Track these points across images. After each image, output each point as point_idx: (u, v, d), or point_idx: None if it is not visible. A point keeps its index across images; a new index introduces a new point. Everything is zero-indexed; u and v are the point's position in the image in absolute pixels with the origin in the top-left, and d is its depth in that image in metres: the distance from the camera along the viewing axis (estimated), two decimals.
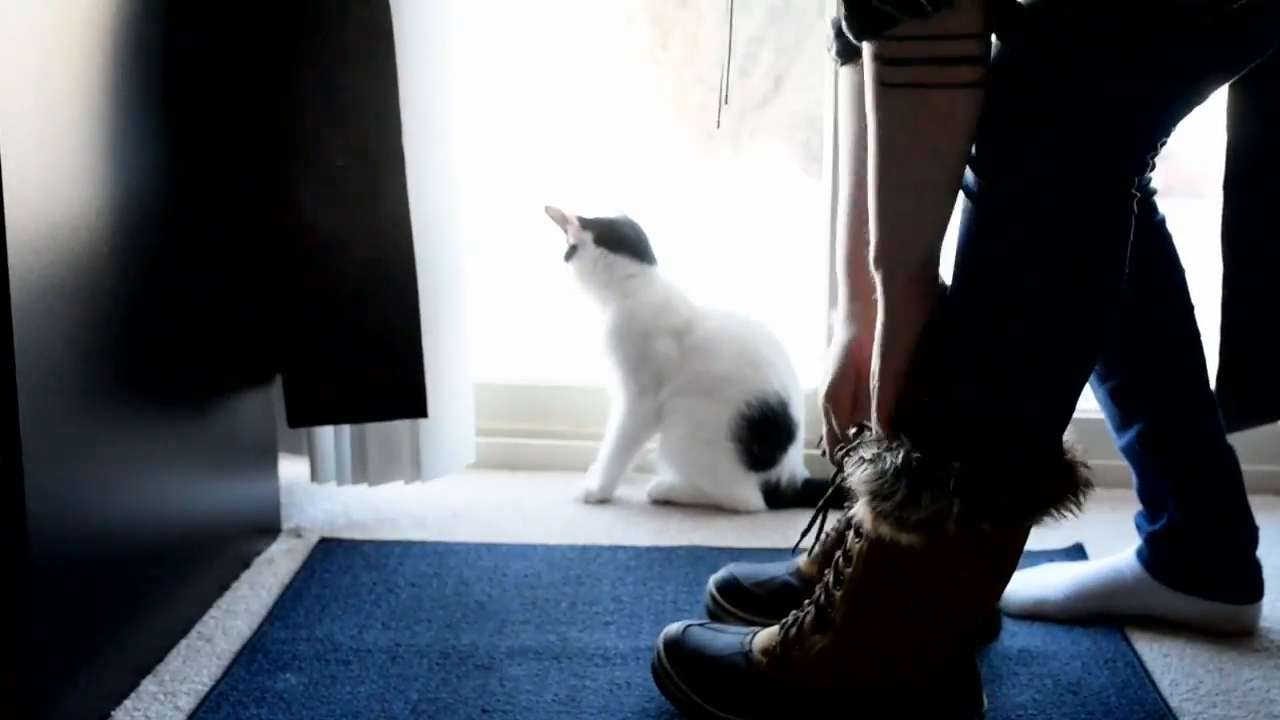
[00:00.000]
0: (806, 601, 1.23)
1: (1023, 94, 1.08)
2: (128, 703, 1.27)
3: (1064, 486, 1.13)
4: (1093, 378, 1.42)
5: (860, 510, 1.15)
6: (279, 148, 1.54)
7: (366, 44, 1.52)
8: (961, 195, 1.12)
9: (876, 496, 1.11)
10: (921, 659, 1.19)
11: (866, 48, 1.07)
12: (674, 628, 1.28)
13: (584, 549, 1.67)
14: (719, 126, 1.40)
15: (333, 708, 1.26)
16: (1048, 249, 1.09)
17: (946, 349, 1.13)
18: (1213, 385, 1.46)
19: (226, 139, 1.50)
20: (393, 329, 1.60)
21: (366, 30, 1.51)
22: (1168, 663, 1.38)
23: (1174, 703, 1.29)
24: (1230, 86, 1.39)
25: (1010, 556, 1.17)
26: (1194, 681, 1.34)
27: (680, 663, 1.24)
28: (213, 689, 1.29)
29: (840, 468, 1.23)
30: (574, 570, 1.60)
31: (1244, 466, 1.86)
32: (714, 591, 1.45)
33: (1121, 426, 1.44)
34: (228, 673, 1.32)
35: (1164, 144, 1.19)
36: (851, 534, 1.18)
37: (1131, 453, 1.45)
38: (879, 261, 1.12)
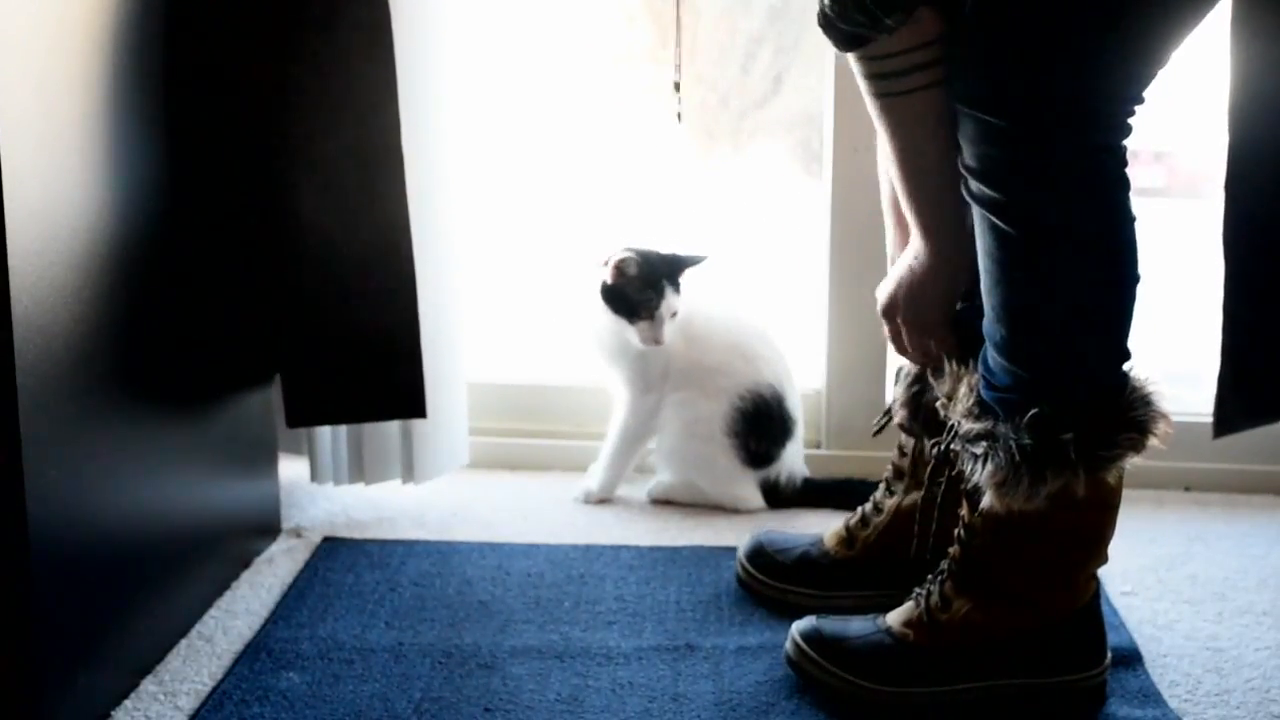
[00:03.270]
0: (933, 575, 1.30)
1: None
2: (128, 703, 1.27)
3: (1152, 413, 1.22)
4: None
5: (988, 499, 1.23)
6: (278, 148, 1.53)
7: (365, 43, 1.51)
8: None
9: (1003, 487, 1.20)
10: (1067, 598, 1.26)
11: (852, 62, 1.21)
12: (802, 624, 1.33)
13: (586, 549, 1.66)
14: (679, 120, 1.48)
15: (336, 707, 1.26)
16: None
17: (1011, 323, 1.21)
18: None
19: (225, 139, 1.50)
20: (392, 329, 1.60)
21: (365, 30, 1.51)
22: (1167, 663, 1.38)
23: (1174, 703, 1.29)
24: (1231, 79, 1.39)
25: (1120, 485, 1.24)
26: (1194, 681, 1.34)
27: (827, 652, 1.29)
28: (215, 688, 1.29)
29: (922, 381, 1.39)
30: (576, 570, 1.60)
31: (1244, 466, 1.88)
32: (743, 560, 1.53)
33: None
34: (230, 671, 1.32)
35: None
36: (967, 509, 1.26)
37: None
38: (928, 234, 1.26)
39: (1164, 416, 1.22)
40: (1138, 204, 1.20)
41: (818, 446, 1.97)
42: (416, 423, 1.76)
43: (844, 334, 1.92)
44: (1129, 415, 1.20)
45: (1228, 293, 1.49)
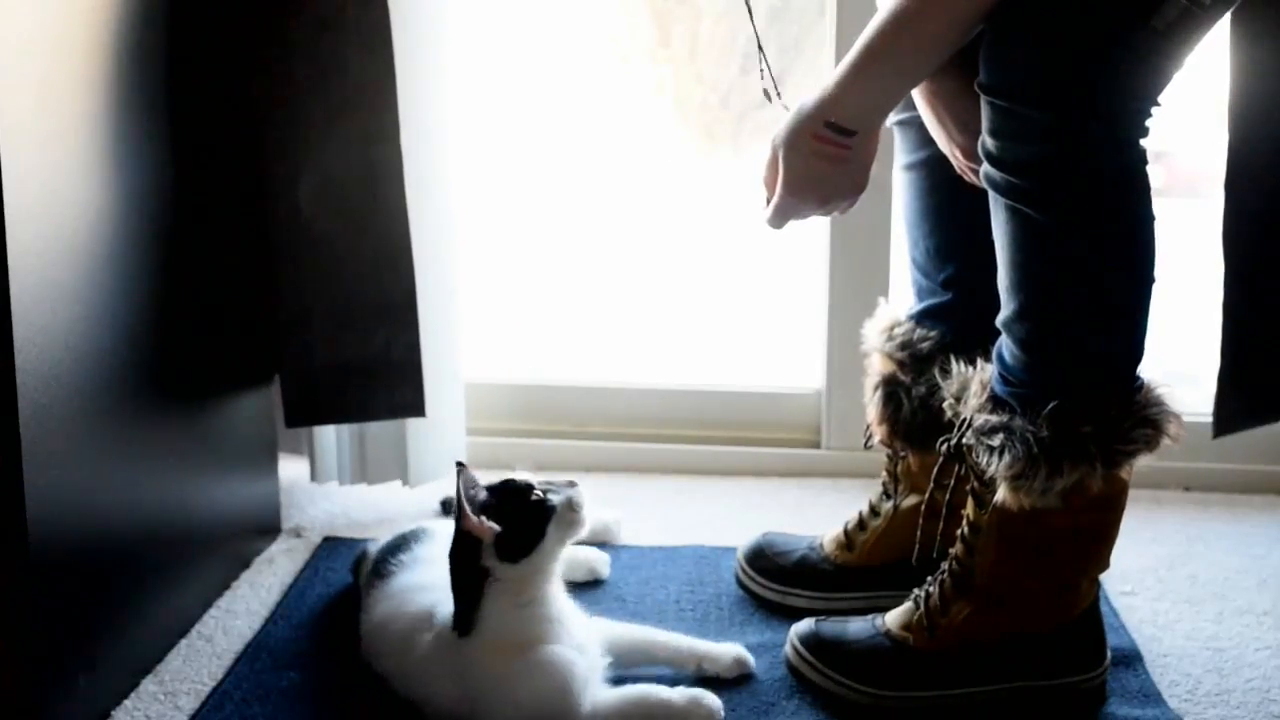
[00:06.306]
0: (932, 576, 1.29)
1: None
2: (128, 703, 1.27)
3: (1166, 413, 1.20)
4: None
5: (1002, 493, 1.21)
6: (278, 147, 1.53)
7: (365, 44, 1.52)
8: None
9: (1019, 479, 1.18)
10: (1068, 603, 1.26)
11: None
12: (800, 627, 1.33)
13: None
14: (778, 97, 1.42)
15: (336, 706, 1.26)
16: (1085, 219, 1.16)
17: (1034, 317, 1.19)
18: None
19: (226, 140, 1.50)
20: (391, 327, 1.60)
21: (365, 30, 1.51)
22: (1167, 662, 1.38)
23: (1174, 703, 1.29)
24: (1231, 80, 1.39)
25: (1125, 489, 1.23)
26: (1194, 681, 1.34)
27: (826, 656, 1.29)
28: (215, 688, 1.29)
29: None
30: None
31: (1244, 466, 1.88)
32: (743, 563, 1.53)
33: None
34: (230, 671, 1.32)
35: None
36: (972, 504, 1.24)
37: None
38: (852, 109, 1.24)
39: (1176, 416, 1.21)
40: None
41: (817, 446, 1.97)
42: (414, 424, 1.76)
43: (844, 334, 1.92)
44: (1144, 413, 1.19)
45: (1228, 292, 1.49)
